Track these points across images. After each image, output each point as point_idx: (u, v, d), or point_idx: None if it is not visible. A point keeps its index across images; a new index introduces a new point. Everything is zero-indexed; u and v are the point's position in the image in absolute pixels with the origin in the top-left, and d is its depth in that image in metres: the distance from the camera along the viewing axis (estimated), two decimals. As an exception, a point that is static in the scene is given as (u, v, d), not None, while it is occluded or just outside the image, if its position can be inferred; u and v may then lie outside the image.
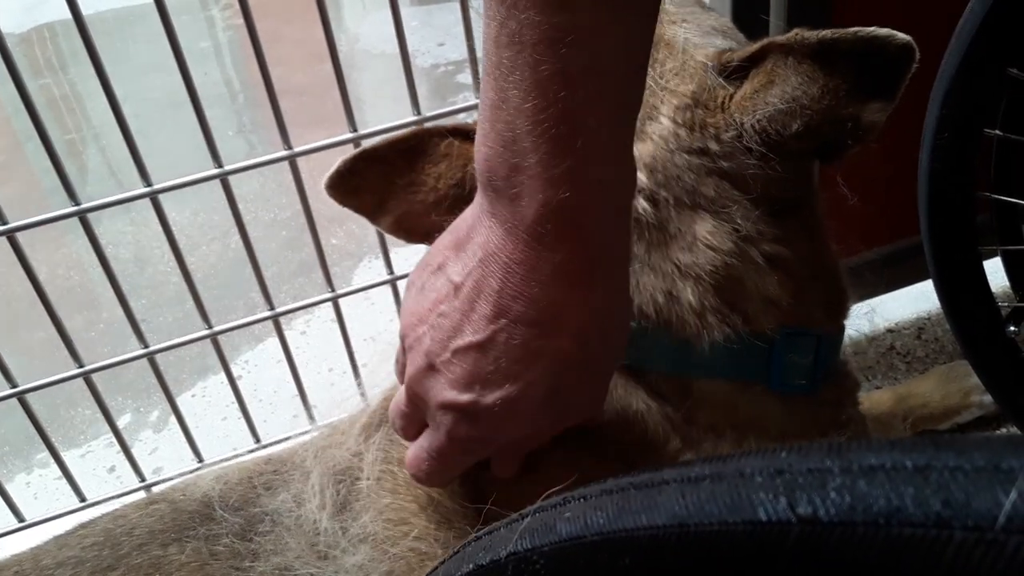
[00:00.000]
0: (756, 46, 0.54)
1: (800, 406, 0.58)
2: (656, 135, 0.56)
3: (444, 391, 0.49)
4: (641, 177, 0.56)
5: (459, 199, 0.60)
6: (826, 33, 0.51)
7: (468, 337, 0.47)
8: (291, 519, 0.62)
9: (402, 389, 0.54)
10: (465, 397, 0.48)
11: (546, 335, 0.45)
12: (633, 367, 0.57)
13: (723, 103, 0.55)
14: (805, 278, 0.58)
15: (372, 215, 0.63)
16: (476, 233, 0.47)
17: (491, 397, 0.47)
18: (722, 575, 0.20)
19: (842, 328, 0.63)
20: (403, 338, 0.52)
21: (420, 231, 0.62)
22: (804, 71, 0.51)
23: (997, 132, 0.88)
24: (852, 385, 0.65)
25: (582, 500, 0.23)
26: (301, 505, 0.63)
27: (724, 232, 0.55)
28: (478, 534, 0.27)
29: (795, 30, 0.53)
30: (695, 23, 0.61)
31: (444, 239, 0.50)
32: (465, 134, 0.62)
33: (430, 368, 0.49)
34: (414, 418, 0.53)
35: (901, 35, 0.50)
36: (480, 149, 0.44)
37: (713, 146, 0.55)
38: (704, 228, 0.55)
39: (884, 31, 0.50)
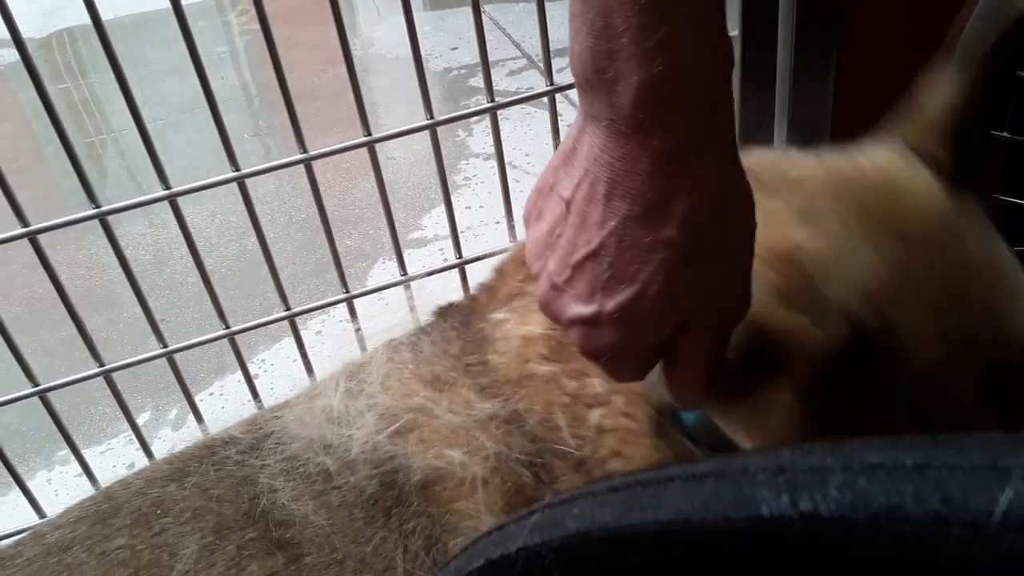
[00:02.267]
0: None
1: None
2: None
3: (570, 307, 0.49)
4: None
5: None
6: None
7: (582, 249, 0.47)
8: (297, 423, 0.65)
9: None
10: (588, 309, 0.48)
11: (654, 228, 0.45)
12: None
13: None
14: None
15: None
16: (580, 143, 0.46)
17: (612, 303, 0.47)
18: (725, 570, 0.20)
19: None
20: (530, 267, 0.53)
21: None
22: None
23: (1005, 134, 0.88)
24: None
25: (590, 497, 0.24)
26: (314, 400, 0.66)
27: None
28: (489, 529, 0.28)
29: None
30: None
31: (553, 160, 0.50)
32: None
33: (555, 289, 0.50)
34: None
35: None
36: (573, 51, 0.44)
37: None
38: None
39: None
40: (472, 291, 0.72)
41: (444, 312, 0.71)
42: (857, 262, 0.47)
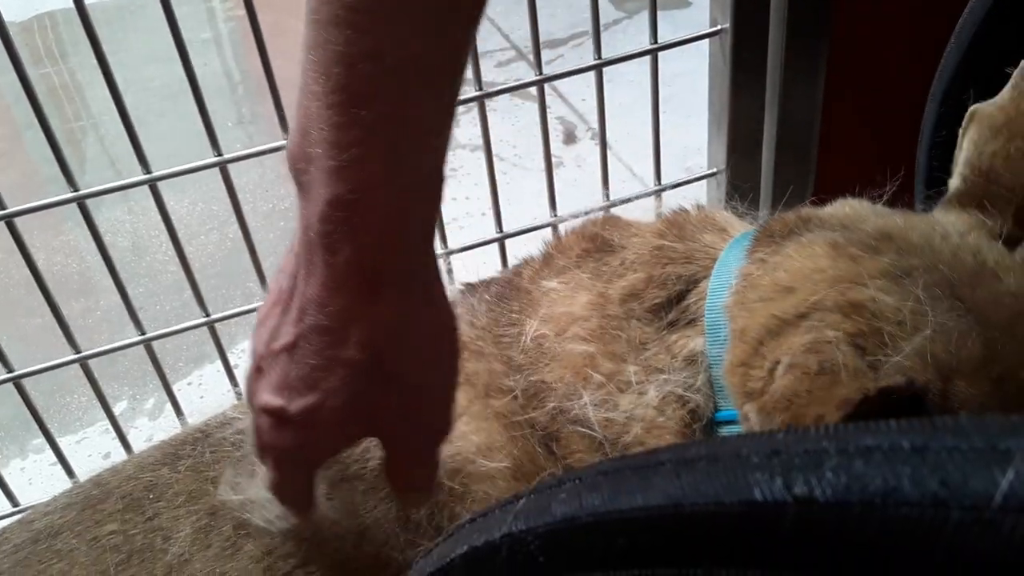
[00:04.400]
0: None
1: None
2: None
3: (262, 393, 0.48)
4: None
5: None
6: None
7: (281, 340, 0.46)
8: None
9: None
10: (277, 402, 0.47)
11: (336, 344, 0.45)
12: None
13: None
14: None
15: None
16: (296, 234, 0.46)
17: (296, 405, 0.46)
18: (717, 555, 0.20)
19: None
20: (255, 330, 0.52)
21: None
22: None
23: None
24: None
25: (577, 481, 0.23)
26: None
27: None
28: (472, 516, 0.27)
29: None
30: None
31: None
32: None
33: (258, 370, 0.49)
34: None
35: None
36: (289, 138, 0.44)
37: None
38: None
39: None
40: (514, 265, 0.71)
41: (472, 287, 0.70)
42: (932, 328, 0.47)
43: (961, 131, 0.60)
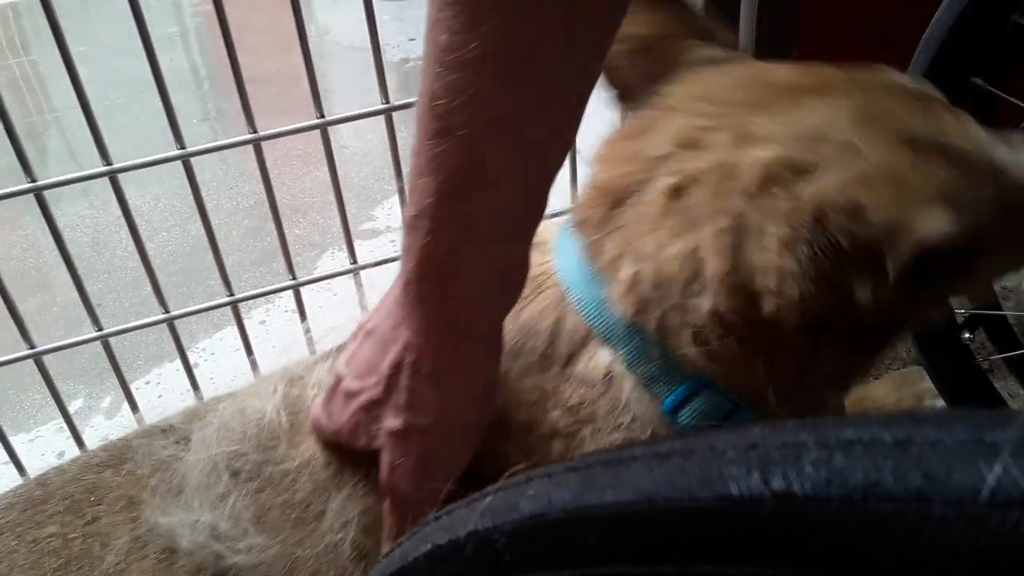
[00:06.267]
0: None
1: None
2: None
3: (340, 365, 0.57)
4: None
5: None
6: None
7: (366, 325, 0.55)
8: (238, 416, 0.62)
9: None
10: (351, 384, 0.55)
11: (378, 352, 0.52)
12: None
13: None
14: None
15: None
16: None
17: (346, 382, 0.55)
18: (691, 551, 0.19)
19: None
20: None
21: None
22: None
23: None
24: None
25: (547, 478, 0.23)
26: (249, 401, 0.63)
27: None
28: (437, 514, 0.26)
29: None
30: None
31: None
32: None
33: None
34: None
35: None
36: None
37: None
38: None
39: None
40: None
41: None
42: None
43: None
